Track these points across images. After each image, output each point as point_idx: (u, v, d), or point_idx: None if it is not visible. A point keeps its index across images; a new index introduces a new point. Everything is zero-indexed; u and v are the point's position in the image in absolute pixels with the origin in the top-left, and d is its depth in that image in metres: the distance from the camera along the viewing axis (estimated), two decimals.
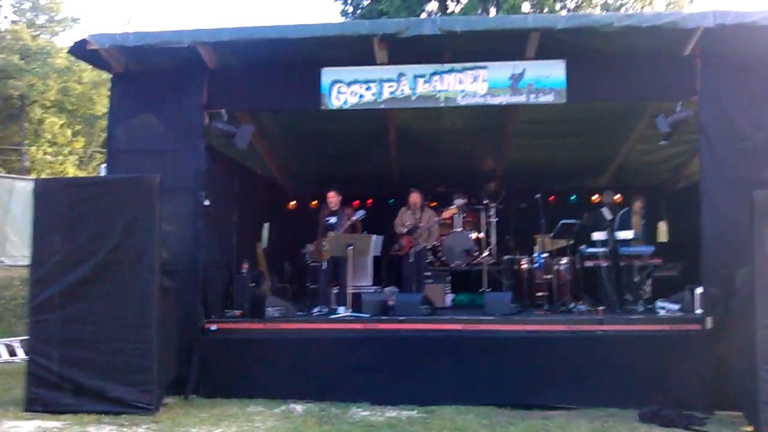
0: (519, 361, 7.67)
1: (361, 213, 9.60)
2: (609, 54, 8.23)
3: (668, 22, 7.50)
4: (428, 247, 10.25)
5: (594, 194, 12.60)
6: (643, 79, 8.20)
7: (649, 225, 10.13)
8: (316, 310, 9.37)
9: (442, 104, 8.34)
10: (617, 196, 11.22)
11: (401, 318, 8.24)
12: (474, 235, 11.36)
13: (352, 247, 8.90)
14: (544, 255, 9.91)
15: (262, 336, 8.16)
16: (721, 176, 7.83)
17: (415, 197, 9.94)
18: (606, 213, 9.64)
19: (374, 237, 9.26)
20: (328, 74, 8.41)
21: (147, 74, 8.61)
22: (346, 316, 8.60)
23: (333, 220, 9.67)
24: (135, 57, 8.40)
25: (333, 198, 9.80)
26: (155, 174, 7.26)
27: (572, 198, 12.88)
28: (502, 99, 8.30)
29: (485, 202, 11.37)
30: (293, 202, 13.10)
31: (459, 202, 10.64)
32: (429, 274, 10.73)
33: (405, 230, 9.89)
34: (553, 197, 12.11)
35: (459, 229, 11.26)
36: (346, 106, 8.37)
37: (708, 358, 7.40)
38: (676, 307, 8.65)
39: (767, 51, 7.85)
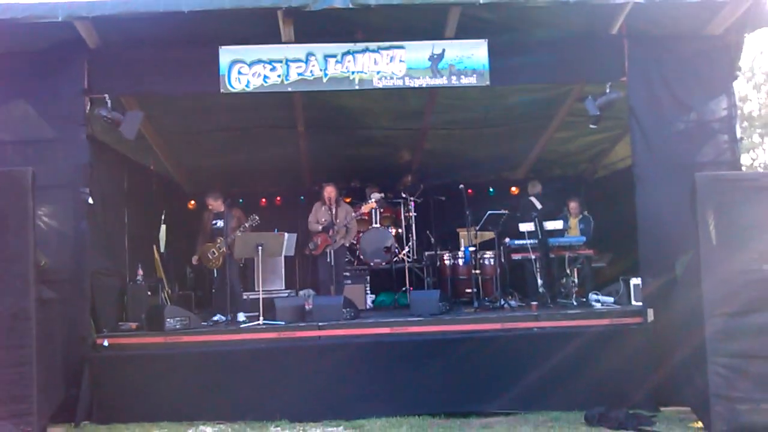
0: (452, 365, 7.10)
1: (255, 218, 8.66)
2: (534, 33, 7.79)
3: None
4: (346, 245, 9.44)
5: (512, 186, 12.22)
6: (570, 60, 7.81)
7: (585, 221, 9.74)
8: (215, 318, 8.46)
9: (356, 87, 7.65)
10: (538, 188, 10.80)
11: (321, 324, 7.50)
12: (393, 231, 10.65)
13: (262, 247, 7.97)
14: (471, 249, 9.30)
15: (162, 351, 7.30)
16: (654, 160, 7.56)
17: (329, 191, 9.11)
18: (536, 202, 9.17)
19: (287, 235, 8.37)
20: (226, 53, 7.55)
21: (17, 55, 7.46)
22: (257, 324, 7.67)
23: (219, 223, 8.76)
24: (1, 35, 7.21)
25: (213, 201, 8.94)
26: (27, 167, 6.28)
27: (491, 191, 12.43)
28: (422, 81, 7.70)
29: (403, 196, 10.64)
30: (192, 202, 11.99)
31: (376, 196, 9.91)
32: (348, 274, 9.99)
33: (320, 227, 9.05)
34: (471, 190, 11.52)
35: (377, 226, 10.53)
36: (248, 89, 7.55)
37: (651, 352, 7.04)
38: (610, 299, 8.31)
39: (696, 30, 7.68)
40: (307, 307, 8.09)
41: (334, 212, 9.03)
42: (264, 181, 11.64)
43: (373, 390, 7.00)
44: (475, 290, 8.67)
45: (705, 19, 7.47)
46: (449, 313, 8.08)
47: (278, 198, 12.19)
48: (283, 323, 7.68)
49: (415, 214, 10.70)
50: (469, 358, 7.10)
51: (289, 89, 7.66)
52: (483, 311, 8.30)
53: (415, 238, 10.73)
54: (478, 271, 8.78)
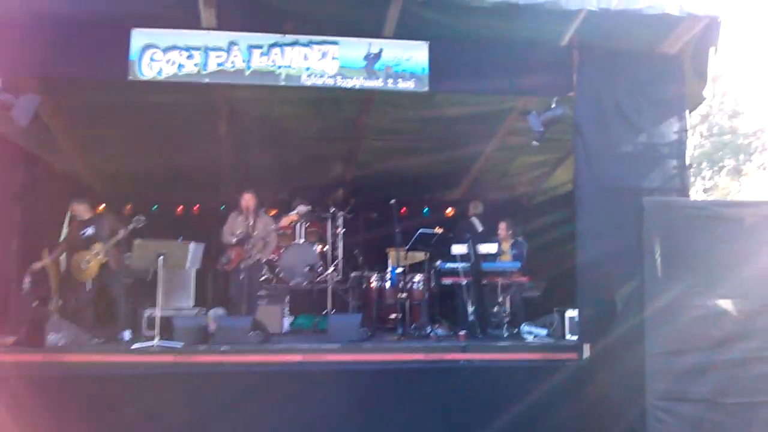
0: (371, 399, 6.44)
1: (140, 219, 7.65)
2: (479, 39, 7.29)
3: (549, 0, 6.46)
4: (263, 261, 8.58)
5: (448, 207, 11.60)
6: (516, 70, 7.30)
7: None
8: (121, 336, 7.46)
9: (282, 83, 6.94)
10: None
11: (223, 348, 6.61)
12: (318, 249, 9.85)
13: (163, 257, 7.04)
14: (398, 270, 8.56)
15: (41, 371, 6.32)
16: (598, 183, 7.14)
17: (247, 199, 8.24)
18: (477, 224, 8.54)
19: (192, 245, 7.47)
20: (139, 36, 6.78)
21: None
22: (150, 345, 6.73)
23: (89, 231, 7.75)
24: None
25: (78, 206, 7.95)
26: None
27: (425, 211, 11.76)
28: (355, 82, 7.08)
29: (332, 210, 9.85)
30: (103, 206, 10.92)
31: (302, 209, 9.13)
32: (264, 293, 9.13)
33: (234, 240, 8.16)
34: (405, 209, 10.91)
35: (301, 241, 9.73)
36: (160, 77, 6.80)
37: (586, 391, 6.47)
38: (544, 332, 7.69)
39: (650, 47, 7.34)
40: (210, 328, 7.20)
41: (251, 223, 8.16)
42: (181, 188, 10.68)
43: (280, 424, 6.23)
44: (400, 316, 7.92)
45: (660, 36, 7.11)
46: (371, 340, 7.32)
47: (196, 206, 11.23)
48: (180, 345, 6.76)
49: (343, 230, 9.92)
50: (389, 391, 6.42)
51: (207, 80, 6.89)
52: (407, 339, 7.60)
53: (341, 256, 9.94)
54: (404, 295, 8.03)
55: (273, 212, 9.75)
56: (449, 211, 11.62)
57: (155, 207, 10.88)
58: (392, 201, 8.26)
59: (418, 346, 7.01)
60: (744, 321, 5.78)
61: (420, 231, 8.03)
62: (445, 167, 10.75)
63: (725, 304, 5.87)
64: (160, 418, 6.12)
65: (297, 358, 6.66)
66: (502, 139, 9.83)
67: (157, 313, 7.08)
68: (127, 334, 7.43)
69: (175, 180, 10.39)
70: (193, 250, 7.50)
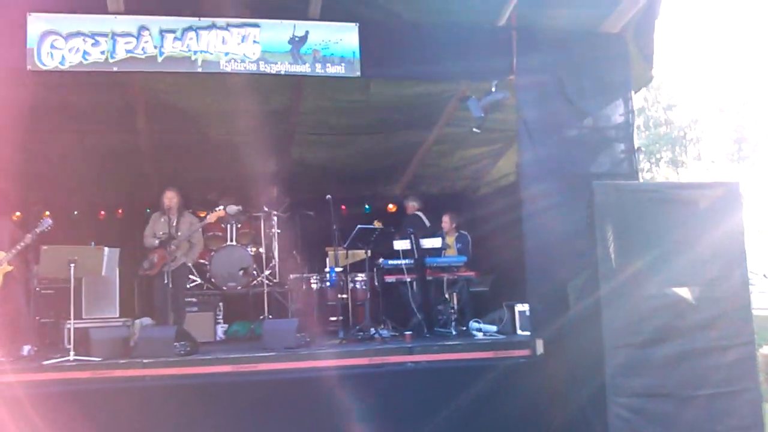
0: (311, 410, 5.88)
1: (46, 223, 6.87)
2: (412, 20, 6.90)
3: None
4: (189, 264, 7.94)
5: (389, 204, 11.13)
6: (452, 53, 6.89)
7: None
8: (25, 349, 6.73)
9: (199, 69, 6.37)
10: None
11: (146, 361, 5.98)
12: (252, 251, 9.24)
13: (74, 263, 6.35)
14: (338, 270, 8.03)
15: None
16: (544, 169, 6.73)
17: (169, 197, 7.58)
18: (424, 218, 8.11)
19: (107, 250, 6.80)
20: (37, 22, 6.12)
21: None
22: (65, 360, 6.05)
23: None
24: None
25: None
26: None
27: (366, 208, 11.24)
28: (280, 67, 6.56)
29: (266, 210, 9.23)
30: (18, 213, 10.06)
31: (231, 209, 8.52)
32: (194, 300, 8.47)
33: (157, 242, 7.51)
34: (345, 207, 10.38)
35: (233, 243, 9.10)
36: (63, 67, 6.15)
37: (541, 390, 6.11)
38: (493, 328, 7.30)
39: (593, 26, 7.08)
40: (132, 340, 6.56)
41: (174, 223, 7.52)
42: (105, 189, 9.93)
43: None
44: (341, 318, 7.40)
45: (603, 14, 6.85)
46: (309, 346, 6.78)
47: (119, 210, 10.46)
48: (98, 360, 6.11)
49: (278, 230, 9.33)
50: (332, 401, 5.86)
51: (115, 69, 6.26)
52: (351, 343, 7.08)
53: (278, 258, 9.34)
54: (345, 296, 7.52)
55: (202, 214, 9.08)
56: (391, 206, 11.14)
57: (75, 213, 10.12)
58: (328, 197, 7.73)
59: (360, 349, 6.50)
60: (703, 308, 5.47)
61: (358, 227, 7.51)
62: (384, 161, 10.28)
63: (682, 291, 5.57)
64: None
65: (227, 368, 6.08)
66: (442, 130, 9.39)
67: (72, 325, 6.38)
68: (26, 349, 6.71)
69: (95, 183, 9.66)
70: (108, 255, 6.81)
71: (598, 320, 5.47)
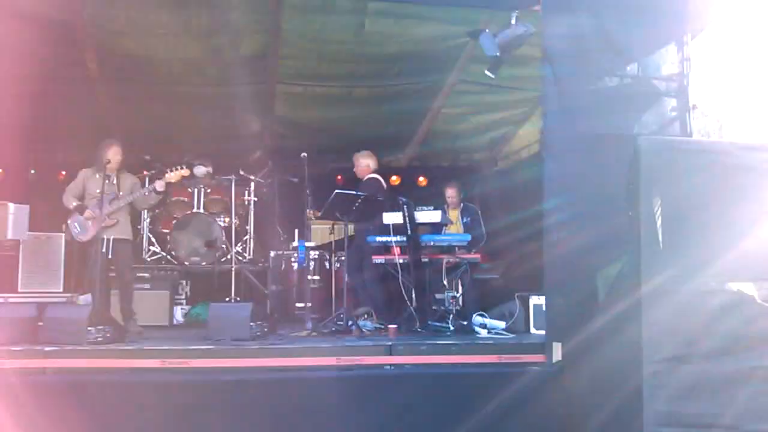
0: (256, 422, 4.64)
1: None
2: None
3: None
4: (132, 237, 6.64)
5: (393, 176, 9.78)
6: None
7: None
8: None
9: None
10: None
11: (48, 349, 4.74)
12: (226, 221, 7.91)
13: None
14: (309, 245, 6.67)
15: None
16: (574, 128, 5.32)
17: (115, 152, 6.18)
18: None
19: (12, 206, 5.48)
20: None
21: None
22: None
23: None
24: None
25: None
26: None
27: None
28: None
29: (242, 173, 7.90)
30: None
31: (200, 170, 7.20)
32: (146, 275, 7.22)
33: (75, 202, 6.11)
34: (341, 177, 9.09)
35: (199, 211, 7.80)
36: None
37: (555, 409, 4.78)
38: (501, 325, 5.97)
39: None
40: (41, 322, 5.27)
41: (115, 182, 6.17)
42: (59, 146, 8.69)
43: None
44: (309, 305, 6.04)
45: None
46: (264, 338, 5.44)
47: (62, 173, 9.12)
48: None
49: (255, 199, 8.00)
50: (279, 411, 4.62)
51: None
52: (319, 337, 5.74)
53: (253, 231, 8.02)
54: (316, 277, 6.16)
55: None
56: (394, 178, 9.77)
57: (33, 172, 8.93)
58: (303, 154, 6.38)
59: (326, 346, 5.15)
60: None
61: (336, 191, 6.06)
62: (385, 127, 8.96)
63: (751, 288, 4.29)
64: None
65: (154, 363, 4.82)
66: (452, 88, 8.04)
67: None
68: None
69: (50, 138, 8.41)
70: (14, 212, 5.51)
71: (637, 322, 4.23)
